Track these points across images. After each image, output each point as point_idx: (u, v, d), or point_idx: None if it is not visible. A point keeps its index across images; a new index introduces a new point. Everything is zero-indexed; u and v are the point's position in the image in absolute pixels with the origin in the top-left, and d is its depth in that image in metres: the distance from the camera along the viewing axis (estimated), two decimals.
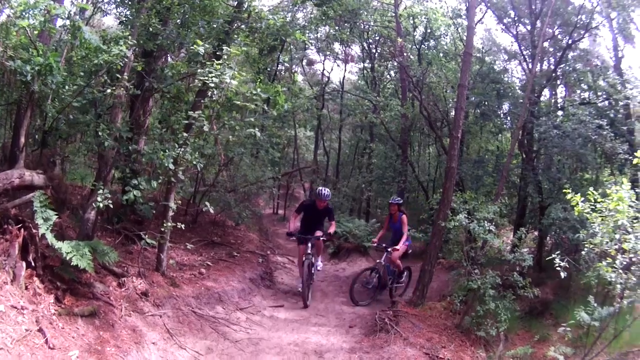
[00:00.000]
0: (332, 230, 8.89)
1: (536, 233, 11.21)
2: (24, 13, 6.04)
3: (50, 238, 5.07)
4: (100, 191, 6.03)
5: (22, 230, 5.04)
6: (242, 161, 12.96)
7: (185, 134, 6.66)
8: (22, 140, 6.50)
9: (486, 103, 12.16)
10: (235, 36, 8.40)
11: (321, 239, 8.80)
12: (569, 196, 5.56)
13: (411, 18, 15.29)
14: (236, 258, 9.80)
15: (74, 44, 6.62)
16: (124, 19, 7.95)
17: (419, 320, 7.05)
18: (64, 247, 5.07)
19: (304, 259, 8.42)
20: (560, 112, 11.34)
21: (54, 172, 8.38)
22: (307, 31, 16.04)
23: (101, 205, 5.96)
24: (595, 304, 5.48)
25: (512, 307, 7.16)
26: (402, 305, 7.75)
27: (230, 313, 7.24)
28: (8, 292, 4.50)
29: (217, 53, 7.03)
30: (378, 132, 18.56)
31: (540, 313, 8.26)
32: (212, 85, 6.34)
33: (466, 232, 7.40)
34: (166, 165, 6.34)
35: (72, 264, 5.02)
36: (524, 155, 11.15)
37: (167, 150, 6.42)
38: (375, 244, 9.33)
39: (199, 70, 6.55)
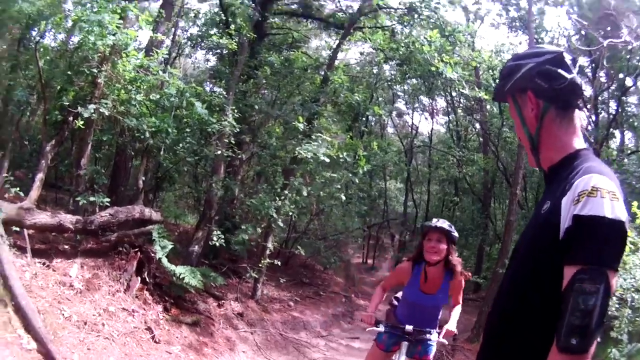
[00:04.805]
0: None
1: None
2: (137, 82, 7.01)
3: (165, 262, 6.34)
4: (214, 232, 7.81)
5: (139, 253, 6.28)
6: (332, 212, 14.19)
7: (285, 192, 8.24)
8: (141, 183, 7.73)
9: None
10: (323, 110, 10.08)
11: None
12: None
13: (491, 70, 15.50)
14: (322, 297, 11.10)
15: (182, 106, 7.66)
16: (222, 85, 9.73)
17: (472, 354, 7.85)
18: (178, 269, 6.39)
19: None
20: (626, 160, 11.51)
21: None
22: (395, 84, 17.35)
23: (217, 244, 7.66)
24: (627, 341, 5.84)
25: None
26: (461, 341, 8.59)
27: (312, 339, 8.50)
28: (120, 298, 5.56)
29: (309, 127, 8.69)
30: (462, 186, 19.17)
31: None
32: (309, 157, 7.94)
33: None
34: (270, 214, 7.91)
35: (184, 282, 6.29)
36: None
37: (269, 202, 8.02)
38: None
39: (297, 149, 8.17)
